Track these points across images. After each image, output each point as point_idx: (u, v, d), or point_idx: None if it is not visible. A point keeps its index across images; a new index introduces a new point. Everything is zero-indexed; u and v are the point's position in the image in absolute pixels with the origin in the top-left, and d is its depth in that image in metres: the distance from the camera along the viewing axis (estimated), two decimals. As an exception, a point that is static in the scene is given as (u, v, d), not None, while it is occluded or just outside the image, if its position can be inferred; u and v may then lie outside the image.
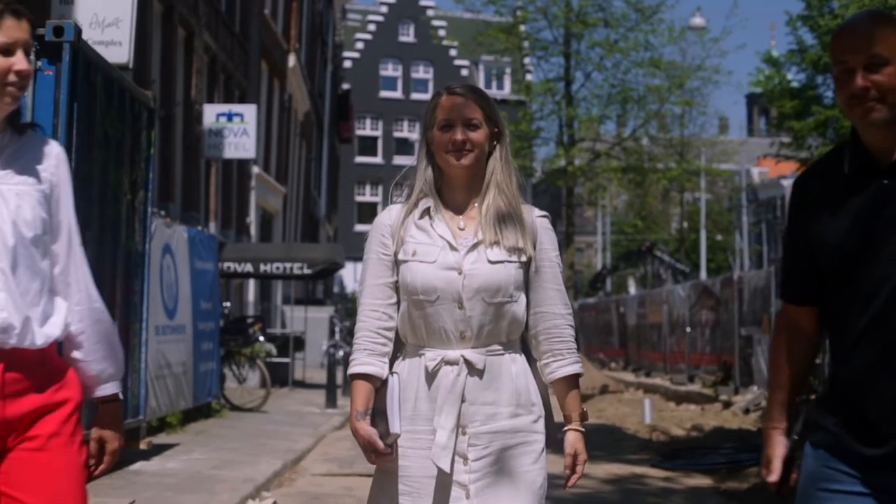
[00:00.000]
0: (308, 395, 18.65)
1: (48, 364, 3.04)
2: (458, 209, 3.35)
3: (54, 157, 3.09)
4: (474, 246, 3.25)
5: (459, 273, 3.22)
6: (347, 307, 36.09)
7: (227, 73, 22.43)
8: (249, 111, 20.30)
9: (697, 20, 35.04)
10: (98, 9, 11.39)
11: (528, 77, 37.86)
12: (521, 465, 3.21)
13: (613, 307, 36.12)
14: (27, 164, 3.05)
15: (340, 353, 20.52)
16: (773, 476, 3.09)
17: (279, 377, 18.66)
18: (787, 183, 64.57)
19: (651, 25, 32.88)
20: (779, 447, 3.12)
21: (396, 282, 3.31)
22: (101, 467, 3.12)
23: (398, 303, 3.31)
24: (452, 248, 3.26)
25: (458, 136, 3.25)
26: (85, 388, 3.10)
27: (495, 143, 3.35)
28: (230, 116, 19.77)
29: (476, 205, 3.33)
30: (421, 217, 3.32)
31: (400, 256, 3.29)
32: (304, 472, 10.29)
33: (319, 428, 13.24)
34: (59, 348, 3.10)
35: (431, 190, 3.35)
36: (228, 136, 19.59)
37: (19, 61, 2.94)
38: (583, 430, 3.31)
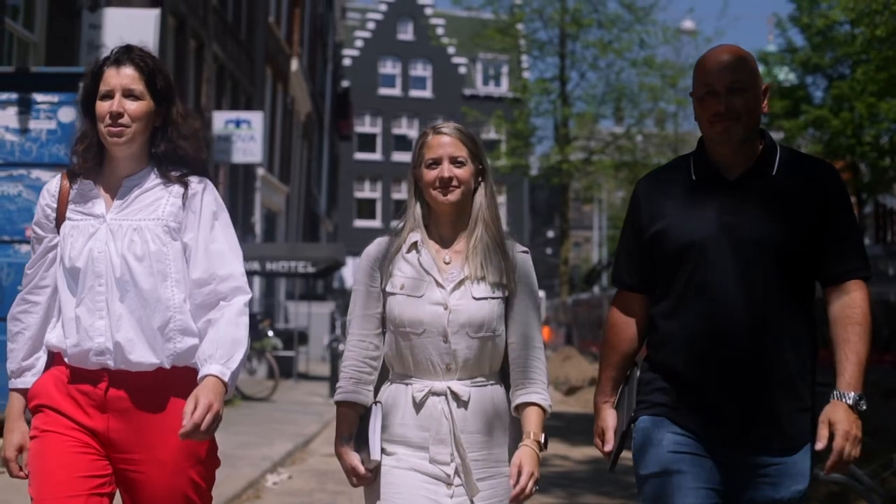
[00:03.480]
0: (312, 386, 19.69)
1: (163, 386, 3.18)
2: (445, 243, 3.42)
3: (191, 193, 3.24)
4: (460, 282, 3.33)
5: (445, 308, 3.30)
6: (347, 302, 36.71)
7: (235, 80, 23.45)
8: (256, 118, 21.32)
9: (688, 24, 35.86)
10: (124, 33, 12.29)
11: (526, 75, 38.55)
12: (503, 492, 3.29)
13: (606, 302, 36.97)
14: (154, 201, 3.23)
15: (341, 346, 21.41)
16: (608, 446, 3.39)
17: (284, 369, 19.55)
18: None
19: (644, 27, 33.62)
20: (610, 419, 3.41)
21: (383, 313, 3.39)
22: (194, 419, 2.97)
23: (385, 332, 3.40)
24: (439, 284, 3.33)
25: (445, 173, 3.34)
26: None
27: (480, 179, 3.43)
28: (238, 123, 20.77)
29: (462, 239, 3.41)
30: (408, 251, 3.38)
31: (387, 289, 3.37)
32: (314, 452, 11.49)
33: (324, 416, 14.29)
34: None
35: (419, 224, 3.42)
36: (237, 141, 20.58)
37: (112, 104, 3.16)
38: (537, 449, 3.28)
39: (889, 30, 22.39)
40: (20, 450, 3.22)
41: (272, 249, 22.70)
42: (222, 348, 3.16)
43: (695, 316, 3.20)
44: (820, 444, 3.09)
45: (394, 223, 3.52)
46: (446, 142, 3.38)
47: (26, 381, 3.27)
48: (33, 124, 8.25)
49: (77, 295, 3.19)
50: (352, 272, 37.70)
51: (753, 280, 3.16)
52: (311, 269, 21.04)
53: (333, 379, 17.61)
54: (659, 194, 3.34)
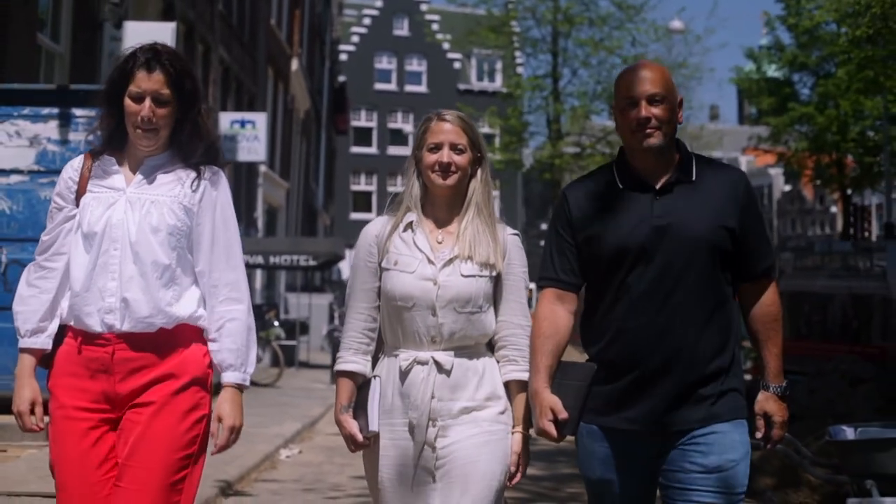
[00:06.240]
0: (313, 373, 20.65)
1: (164, 344, 3.37)
2: (439, 224, 3.57)
3: (205, 182, 3.45)
4: (450, 260, 3.48)
5: (435, 284, 3.46)
6: (345, 293, 37.49)
7: (239, 81, 24.39)
8: (260, 119, 22.29)
9: (676, 23, 36.50)
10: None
11: (520, 70, 39.02)
12: (484, 452, 3.43)
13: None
14: (173, 181, 3.44)
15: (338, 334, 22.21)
16: (563, 414, 3.35)
17: (287, 358, 20.26)
18: (774, 172, 65.50)
19: (635, 25, 34.21)
20: (554, 398, 3.39)
21: (380, 287, 3.56)
22: (220, 443, 3.41)
23: (381, 306, 3.57)
24: (430, 261, 3.48)
25: (445, 158, 3.50)
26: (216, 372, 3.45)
27: (477, 166, 3.59)
28: (243, 123, 21.74)
29: (455, 221, 3.56)
30: (405, 230, 3.55)
31: (383, 265, 3.53)
32: (320, 431, 12.61)
33: (327, 400, 15.19)
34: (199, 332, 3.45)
35: (416, 205, 3.58)
36: (242, 141, 21.50)
37: (143, 109, 3.34)
38: (527, 433, 3.50)
39: (870, 30, 23.21)
40: (32, 404, 3.38)
41: (275, 244, 23.68)
42: (240, 357, 3.43)
43: (631, 313, 3.38)
44: (759, 434, 3.46)
45: (399, 188, 3.73)
46: (448, 129, 3.55)
47: (38, 341, 3.41)
48: (73, 136, 9.15)
49: (91, 258, 3.36)
50: (348, 265, 38.36)
51: (686, 278, 3.36)
52: (311, 263, 22.04)
53: (334, 367, 18.45)
54: (588, 200, 3.50)
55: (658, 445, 3.39)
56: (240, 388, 3.45)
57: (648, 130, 3.39)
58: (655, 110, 3.38)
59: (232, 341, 3.42)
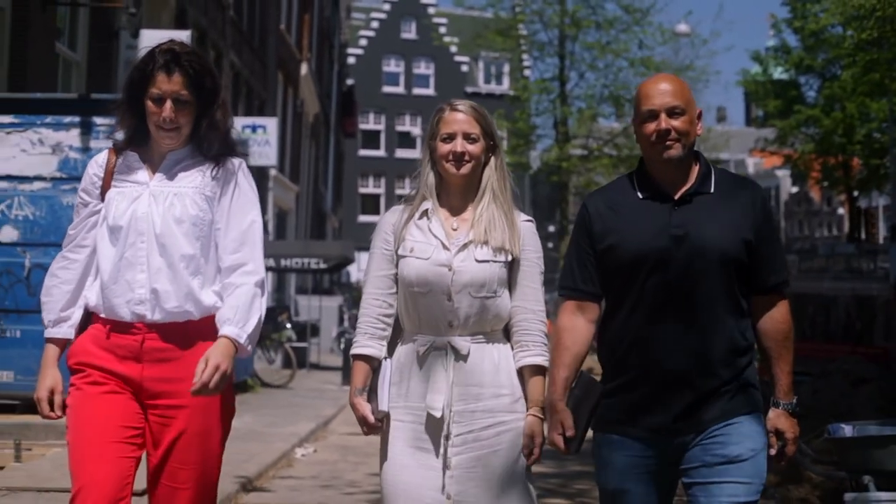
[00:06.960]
0: (324, 375, 20.85)
1: (193, 335, 3.45)
2: (454, 211, 3.63)
3: (226, 170, 3.54)
4: (464, 245, 3.54)
5: (450, 269, 3.51)
6: (354, 296, 38.02)
7: (249, 86, 24.66)
8: (271, 123, 22.60)
9: (683, 27, 36.56)
10: (158, 53, 13.59)
11: (527, 73, 39.15)
12: (499, 442, 3.49)
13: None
14: (194, 173, 3.53)
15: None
16: (571, 431, 3.45)
17: (298, 360, 20.31)
18: (781, 174, 65.54)
19: (642, 28, 34.32)
20: (566, 413, 3.48)
21: (397, 274, 3.60)
22: (203, 379, 3.30)
23: (398, 292, 3.62)
24: (445, 247, 3.53)
25: (458, 147, 3.55)
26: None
27: (491, 154, 3.64)
28: (254, 128, 22.03)
29: (470, 208, 3.61)
30: (420, 218, 3.60)
31: (399, 252, 3.58)
32: (333, 431, 12.86)
33: (339, 401, 15.43)
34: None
35: (432, 193, 3.63)
36: (253, 145, 21.72)
37: (164, 110, 3.43)
38: (542, 416, 3.53)
39: (876, 33, 23.33)
40: (52, 392, 3.44)
41: (286, 247, 23.92)
42: (239, 313, 3.42)
43: (648, 321, 3.44)
44: (773, 451, 3.49)
45: (407, 190, 3.80)
46: (461, 118, 3.60)
47: (62, 331, 3.50)
48: (93, 143, 9.47)
49: (119, 251, 3.45)
50: (356, 267, 38.13)
51: (702, 287, 3.41)
52: (322, 266, 22.29)
53: (346, 368, 18.78)
54: (609, 210, 3.55)
55: (675, 452, 3.45)
56: (234, 342, 3.41)
57: (668, 142, 3.46)
58: (675, 122, 3.45)
59: (235, 300, 3.45)
